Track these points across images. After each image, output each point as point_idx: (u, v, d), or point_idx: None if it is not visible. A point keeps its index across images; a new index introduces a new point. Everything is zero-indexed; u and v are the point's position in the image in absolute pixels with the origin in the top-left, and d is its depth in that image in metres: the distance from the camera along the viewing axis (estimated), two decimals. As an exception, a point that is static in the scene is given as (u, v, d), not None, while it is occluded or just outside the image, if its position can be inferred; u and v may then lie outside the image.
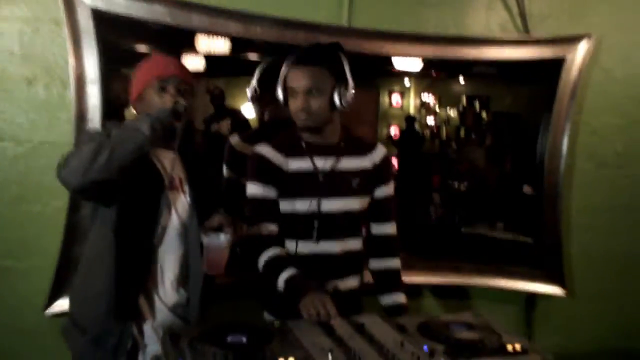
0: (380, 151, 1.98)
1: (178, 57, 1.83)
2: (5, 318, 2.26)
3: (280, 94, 1.86)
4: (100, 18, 2.14)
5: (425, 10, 2.56)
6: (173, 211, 1.74)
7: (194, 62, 3.14)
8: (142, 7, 2.18)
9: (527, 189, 3.11)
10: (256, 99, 2.37)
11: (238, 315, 1.73)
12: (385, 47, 2.49)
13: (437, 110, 4.97)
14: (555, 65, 2.64)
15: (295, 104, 1.81)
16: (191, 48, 2.75)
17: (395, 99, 5.10)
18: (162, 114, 1.61)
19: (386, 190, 1.99)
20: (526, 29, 2.62)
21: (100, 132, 1.68)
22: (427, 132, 4.89)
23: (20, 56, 2.17)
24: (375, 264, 2.01)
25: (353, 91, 1.81)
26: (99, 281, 1.64)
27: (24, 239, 2.24)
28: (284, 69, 1.84)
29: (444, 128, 4.92)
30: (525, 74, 2.87)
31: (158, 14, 2.21)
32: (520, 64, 2.69)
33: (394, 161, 4.85)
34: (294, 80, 1.80)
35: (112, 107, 2.21)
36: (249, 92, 2.37)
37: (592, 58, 2.63)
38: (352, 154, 1.92)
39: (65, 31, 2.11)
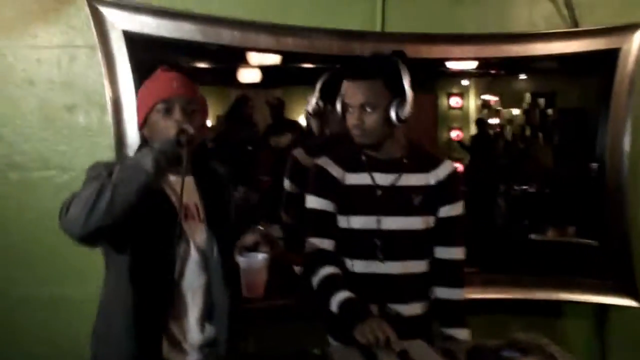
0: (446, 167, 1.83)
1: (182, 72, 1.72)
2: (62, 347, 2.28)
3: (339, 108, 1.79)
4: (132, 40, 2.17)
5: (462, 9, 2.46)
6: (191, 242, 1.64)
7: (248, 74, 3.18)
8: (171, 26, 2.21)
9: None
10: (318, 113, 2.32)
11: (287, 342, 1.67)
12: (421, 50, 2.39)
13: (500, 109, 4.80)
14: (611, 58, 2.46)
15: (350, 120, 1.74)
16: (243, 61, 2.80)
17: (455, 100, 4.97)
18: (166, 145, 1.48)
19: (452, 210, 1.83)
20: (574, 21, 2.46)
21: (106, 168, 1.54)
22: (491, 133, 4.74)
23: (60, 84, 2.24)
24: (437, 292, 1.86)
25: (410, 105, 1.69)
26: (118, 324, 1.57)
27: (78, 268, 2.25)
28: (343, 83, 1.77)
29: (508, 128, 4.74)
30: (590, 66, 2.69)
31: (187, 32, 2.22)
32: (577, 58, 2.53)
33: (459, 166, 4.75)
34: (348, 95, 1.73)
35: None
36: (309, 107, 2.30)
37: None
38: (415, 169, 1.81)
39: (100, 55, 2.16)
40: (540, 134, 4.36)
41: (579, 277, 2.67)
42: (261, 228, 1.64)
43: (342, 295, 1.66)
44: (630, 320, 2.71)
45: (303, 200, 1.86)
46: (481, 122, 4.79)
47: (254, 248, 1.58)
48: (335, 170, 1.80)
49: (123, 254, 1.55)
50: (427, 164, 1.83)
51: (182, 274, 1.62)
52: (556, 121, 4.13)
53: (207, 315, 1.67)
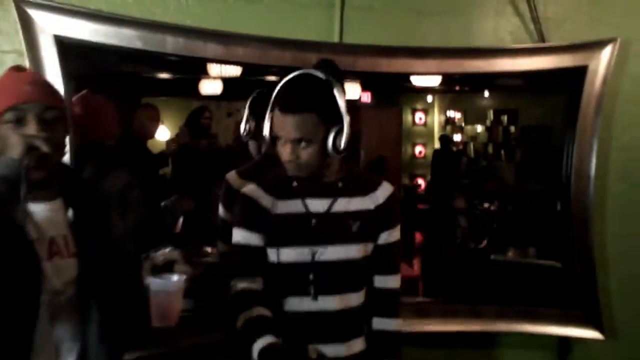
0: (385, 190, 1.71)
1: (39, 74, 1.48)
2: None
3: (267, 136, 1.62)
4: (64, 45, 1.98)
5: (425, 20, 2.35)
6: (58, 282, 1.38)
7: (208, 86, 3.08)
8: (109, 31, 2.02)
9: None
10: (250, 134, 2.16)
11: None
12: (380, 64, 2.26)
13: (463, 126, 4.75)
14: (578, 75, 2.37)
15: (283, 154, 1.59)
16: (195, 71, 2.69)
17: (419, 116, 4.90)
18: (8, 169, 1.20)
19: (391, 235, 1.72)
20: (541, 36, 2.37)
21: None
22: (454, 150, 4.68)
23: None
24: (373, 323, 1.74)
25: (347, 134, 1.55)
26: None
27: None
28: (269, 112, 1.61)
29: (471, 145, 4.69)
30: (554, 84, 2.63)
31: (127, 38, 2.04)
32: (543, 75, 2.44)
33: (422, 182, 4.68)
34: (280, 127, 1.57)
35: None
36: (241, 128, 2.14)
37: (618, 65, 2.36)
38: (351, 194, 1.68)
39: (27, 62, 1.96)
40: (503, 152, 4.32)
41: (541, 307, 2.55)
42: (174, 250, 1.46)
43: (263, 342, 1.48)
44: (594, 353, 2.61)
45: None
46: (444, 139, 4.75)
47: (166, 268, 1.40)
48: (264, 199, 1.64)
49: None
50: (365, 187, 1.70)
51: (53, 324, 1.37)
52: (518, 138, 4.09)
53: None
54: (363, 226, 1.66)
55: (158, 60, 2.30)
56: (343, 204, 1.66)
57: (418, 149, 4.94)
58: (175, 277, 1.39)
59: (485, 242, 3.54)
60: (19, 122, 1.31)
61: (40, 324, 1.32)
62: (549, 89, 2.83)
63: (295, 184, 1.65)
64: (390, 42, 2.28)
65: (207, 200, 2.81)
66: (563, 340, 2.58)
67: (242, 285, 1.61)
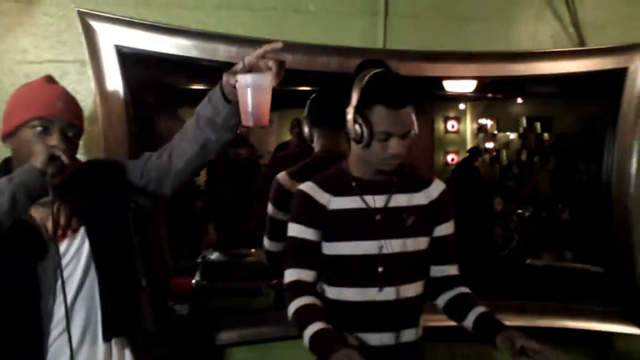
0: (437, 186, 1.79)
1: (64, 90, 1.58)
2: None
3: (363, 136, 1.62)
4: (124, 55, 2.09)
5: (467, 26, 2.40)
6: (73, 260, 1.51)
7: None
8: (167, 41, 2.12)
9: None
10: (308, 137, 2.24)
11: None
12: (423, 68, 2.32)
13: (496, 133, 4.77)
14: (618, 78, 2.40)
15: (391, 150, 1.63)
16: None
17: (451, 124, 4.93)
18: (28, 176, 1.30)
19: (446, 229, 1.80)
20: (581, 40, 2.41)
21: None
22: (487, 157, 4.70)
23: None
24: (445, 296, 1.80)
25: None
26: None
27: None
28: (370, 110, 1.62)
29: (504, 152, 4.70)
30: (588, 90, 2.65)
31: (183, 47, 2.14)
32: (580, 80, 2.47)
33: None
34: (388, 124, 1.60)
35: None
36: (305, 132, 2.23)
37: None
38: (406, 189, 1.75)
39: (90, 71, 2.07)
40: (536, 158, 4.33)
41: (581, 304, 2.58)
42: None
43: (314, 327, 1.56)
44: (634, 348, 2.63)
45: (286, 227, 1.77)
46: (475, 151, 4.77)
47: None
48: (320, 196, 1.71)
49: None
50: (418, 184, 1.77)
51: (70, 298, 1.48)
52: (553, 145, 4.11)
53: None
54: (418, 220, 1.73)
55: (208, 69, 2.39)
56: (399, 199, 1.73)
57: (450, 157, 4.97)
58: (266, 73, 1.39)
59: (515, 242, 3.56)
60: (45, 131, 1.44)
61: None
62: (584, 95, 2.84)
63: (352, 181, 1.72)
64: (432, 47, 2.35)
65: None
66: (604, 336, 2.60)
67: (294, 277, 1.69)
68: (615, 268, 2.53)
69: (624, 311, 2.51)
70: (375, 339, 1.70)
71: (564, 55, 2.39)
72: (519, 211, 3.86)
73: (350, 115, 1.63)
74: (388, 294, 1.69)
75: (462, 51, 2.36)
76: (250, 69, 1.42)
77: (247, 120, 1.39)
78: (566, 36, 2.44)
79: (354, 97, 1.63)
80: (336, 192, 1.72)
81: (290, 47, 2.22)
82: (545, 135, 4.21)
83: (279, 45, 1.45)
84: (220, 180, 3.12)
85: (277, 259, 2.01)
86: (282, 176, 2.15)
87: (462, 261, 1.85)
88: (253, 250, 2.77)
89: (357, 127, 1.62)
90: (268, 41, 2.11)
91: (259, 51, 1.42)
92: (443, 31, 2.40)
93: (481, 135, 4.91)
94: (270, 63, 1.41)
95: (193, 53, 2.16)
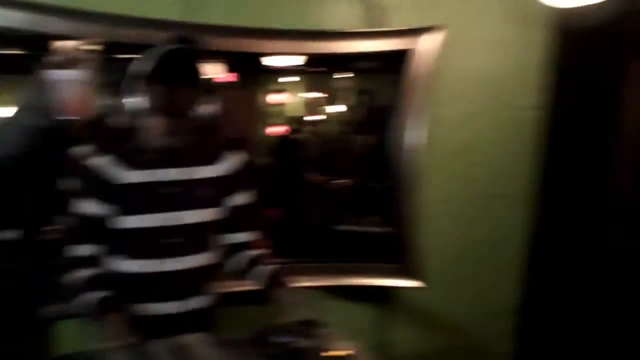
0: (236, 157, 1.84)
1: None
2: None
3: (140, 107, 1.66)
4: None
5: (282, 3, 2.53)
6: None
7: None
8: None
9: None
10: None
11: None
12: (237, 43, 2.43)
13: (323, 106, 4.97)
14: (408, 57, 2.68)
15: (163, 126, 1.68)
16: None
17: (276, 97, 5.05)
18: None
19: (240, 199, 1.86)
20: (380, 22, 2.62)
21: None
22: (310, 129, 4.89)
23: None
24: (232, 261, 1.89)
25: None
26: None
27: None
28: (142, 86, 1.64)
29: (328, 125, 4.92)
30: (394, 65, 2.84)
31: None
32: (384, 56, 2.70)
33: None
34: (164, 99, 1.64)
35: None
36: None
37: (443, 49, 2.66)
38: (200, 162, 1.78)
39: None
40: (351, 130, 4.60)
41: (373, 263, 2.89)
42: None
43: (100, 294, 1.63)
44: (413, 300, 2.98)
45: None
46: (297, 120, 4.92)
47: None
48: (111, 169, 1.70)
49: None
50: (215, 155, 1.81)
51: None
52: (368, 118, 4.39)
53: None
54: (209, 192, 1.78)
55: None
56: (191, 172, 1.76)
57: (274, 129, 5.08)
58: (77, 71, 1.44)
59: (324, 210, 3.78)
60: None
61: None
62: (389, 70, 3.00)
63: (148, 153, 1.72)
64: (246, 23, 2.44)
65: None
66: (386, 290, 2.93)
67: (75, 251, 1.70)
68: (400, 230, 2.86)
69: (403, 267, 2.85)
70: (158, 308, 1.75)
71: (364, 35, 2.60)
72: (333, 182, 4.08)
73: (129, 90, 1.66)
74: (171, 264, 1.74)
75: (274, 28, 2.48)
76: (62, 65, 1.46)
77: (69, 112, 1.47)
78: (372, 17, 2.62)
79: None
80: (130, 165, 1.71)
81: (87, 15, 2.17)
82: (364, 108, 4.46)
83: (88, 44, 1.50)
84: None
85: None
86: (77, 149, 2.11)
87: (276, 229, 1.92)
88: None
89: (135, 99, 1.66)
90: (64, 10, 2.03)
91: (69, 47, 1.47)
92: (258, 7, 2.50)
93: (307, 108, 5.09)
94: (82, 57, 1.46)
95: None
